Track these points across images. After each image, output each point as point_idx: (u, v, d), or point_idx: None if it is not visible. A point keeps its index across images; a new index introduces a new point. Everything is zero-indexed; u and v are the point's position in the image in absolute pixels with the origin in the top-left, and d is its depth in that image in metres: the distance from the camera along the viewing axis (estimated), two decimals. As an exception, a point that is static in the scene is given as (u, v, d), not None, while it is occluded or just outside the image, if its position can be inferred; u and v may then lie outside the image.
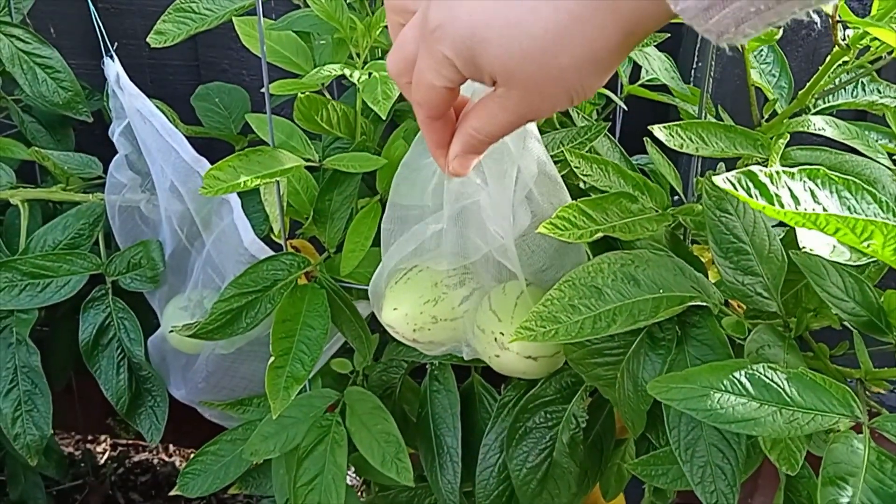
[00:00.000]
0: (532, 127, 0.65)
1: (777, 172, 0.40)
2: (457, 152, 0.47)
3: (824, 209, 0.40)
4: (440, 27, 0.40)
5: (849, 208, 0.41)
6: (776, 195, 0.39)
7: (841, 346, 0.71)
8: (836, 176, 0.41)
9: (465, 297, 0.73)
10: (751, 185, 0.39)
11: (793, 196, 0.39)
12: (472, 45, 0.40)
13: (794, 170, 0.40)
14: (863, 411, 0.56)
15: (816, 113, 0.77)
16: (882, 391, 0.69)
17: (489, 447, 0.83)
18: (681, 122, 0.69)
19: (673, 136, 0.68)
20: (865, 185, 0.41)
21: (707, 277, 0.70)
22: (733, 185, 0.39)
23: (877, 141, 0.73)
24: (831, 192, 0.41)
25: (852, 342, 0.69)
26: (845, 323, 0.65)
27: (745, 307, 0.70)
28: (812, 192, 0.40)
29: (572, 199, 0.67)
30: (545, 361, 0.71)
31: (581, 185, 0.76)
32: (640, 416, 0.67)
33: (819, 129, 0.71)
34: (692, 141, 0.68)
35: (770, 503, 0.68)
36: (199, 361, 0.96)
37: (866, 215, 0.41)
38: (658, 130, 0.67)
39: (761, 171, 0.39)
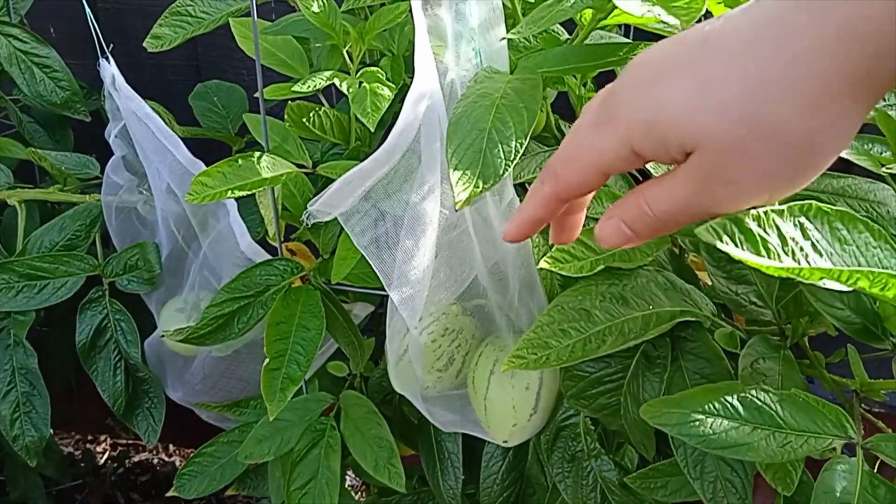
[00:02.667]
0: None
1: (765, 213, 0.39)
2: (614, 215, 0.41)
3: (813, 244, 0.39)
4: (622, 104, 0.37)
5: (840, 240, 0.40)
6: (762, 238, 0.38)
7: (837, 353, 0.71)
8: (828, 208, 0.40)
9: (459, 370, 0.75)
10: (736, 230, 0.38)
11: (780, 236, 0.39)
12: (659, 117, 0.36)
13: (784, 207, 0.40)
14: (857, 431, 0.55)
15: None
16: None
17: (491, 455, 0.83)
18: None
19: None
20: (859, 216, 0.40)
21: (699, 286, 0.69)
22: (718, 235, 0.38)
23: (880, 153, 0.71)
24: (822, 224, 0.40)
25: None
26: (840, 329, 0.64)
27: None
28: (802, 227, 0.40)
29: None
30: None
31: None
32: (649, 439, 0.67)
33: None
34: None
35: (770, 503, 0.67)
36: (196, 363, 0.96)
37: (857, 246, 0.40)
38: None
39: (748, 214, 0.38)
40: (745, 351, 0.64)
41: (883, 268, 0.40)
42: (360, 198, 0.60)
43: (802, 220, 0.40)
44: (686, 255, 0.76)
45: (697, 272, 0.75)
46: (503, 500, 0.83)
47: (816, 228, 0.40)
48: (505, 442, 0.75)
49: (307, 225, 0.63)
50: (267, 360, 0.73)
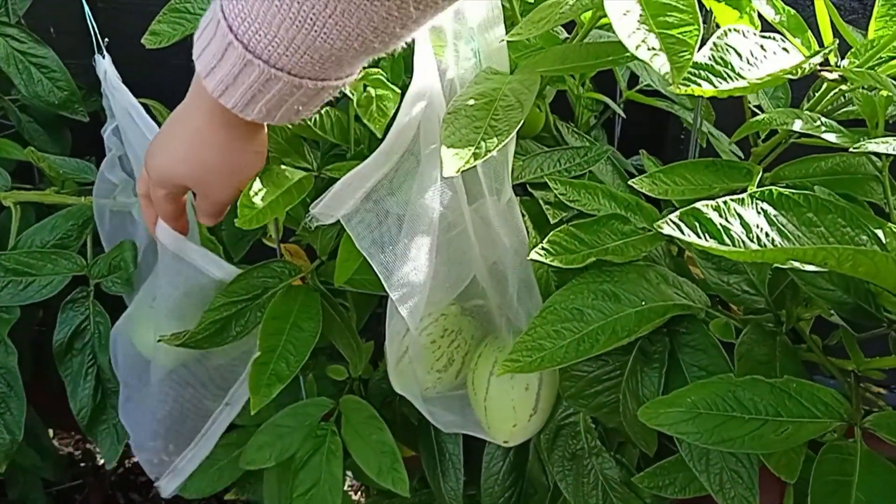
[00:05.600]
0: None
1: (725, 203, 0.39)
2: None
3: (779, 229, 0.39)
4: (160, 179, 0.68)
5: (806, 223, 0.40)
6: (724, 227, 0.39)
7: (834, 334, 0.71)
8: (792, 193, 0.41)
9: (458, 371, 0.75)
10: (697, 223, 0.39)
11: (743, 223, 0.39)
12: (175, 181, 0.67)
13: (744, 195, 0.40)
14: (856, 411, 0.55)
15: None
16: (882, 390, 0.68)
17: (492, 455, 0.83)
18: (663, 167, 0.68)
19: (657, 184, 0.67)
20: (825, 198, 0.41)
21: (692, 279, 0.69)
22: (678, 227, 0.38)
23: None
24: (788, 210, 0.40)
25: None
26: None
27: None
28: (766, 214, 0.40)
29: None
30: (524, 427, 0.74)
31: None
32: (650, 435, 0.67)
33: (820, 131, 0.69)
34: (676, 184, 0.67)
35: (772, 500, 0.67)
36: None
37: (825, 227, 0.40)
38: (640, 182, 0.67)
39: (706, 205, 0.39)
40: (740, 339, 0.64)
41: (855, 245, 0.40)
42: (361, 199, 0.59)
43: (765, 206, 0.41)
44: (684, 252, 0.76)
45: (692, 268, 0.75)
46: (504, 501, 0.83)
47: (782, 214, 0.40)
48: (505, 442, 0.74)
49: (310, 227, 0.63)
50: (258, 354, 0.72)
